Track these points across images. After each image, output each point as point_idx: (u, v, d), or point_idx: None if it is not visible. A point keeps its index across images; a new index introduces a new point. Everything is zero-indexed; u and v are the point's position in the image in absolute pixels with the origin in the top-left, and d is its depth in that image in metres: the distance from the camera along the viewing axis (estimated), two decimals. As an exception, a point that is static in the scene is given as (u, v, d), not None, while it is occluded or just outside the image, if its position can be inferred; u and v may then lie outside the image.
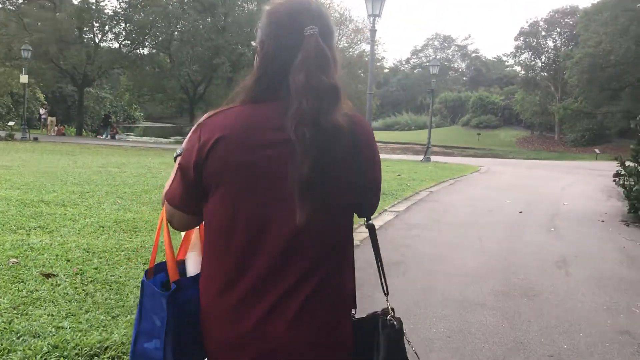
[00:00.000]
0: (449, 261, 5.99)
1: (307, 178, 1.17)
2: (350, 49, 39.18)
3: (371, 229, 1.42)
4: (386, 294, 1.44)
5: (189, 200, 1.32)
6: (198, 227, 1.44)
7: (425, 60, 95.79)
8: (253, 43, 1.37)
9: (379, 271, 1.45)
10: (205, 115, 1.30)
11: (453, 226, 8.20)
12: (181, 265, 1.44)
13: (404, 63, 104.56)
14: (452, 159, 28.43)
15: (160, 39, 32.46)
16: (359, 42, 39.24)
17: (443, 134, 66.48)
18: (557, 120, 53.01)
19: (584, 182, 16.77)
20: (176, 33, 31.66)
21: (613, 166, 26.50)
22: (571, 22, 55.95)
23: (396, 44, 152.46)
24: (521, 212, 9.81)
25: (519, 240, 7.38)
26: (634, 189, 9.30)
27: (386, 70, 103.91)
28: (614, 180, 10.26)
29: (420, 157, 23.99)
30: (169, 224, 1.40)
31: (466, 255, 6.34)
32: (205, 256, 1.33)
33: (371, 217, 1.42)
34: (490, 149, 51.91)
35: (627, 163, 9.90)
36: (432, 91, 22.94)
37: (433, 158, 26.20)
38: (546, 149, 51.86)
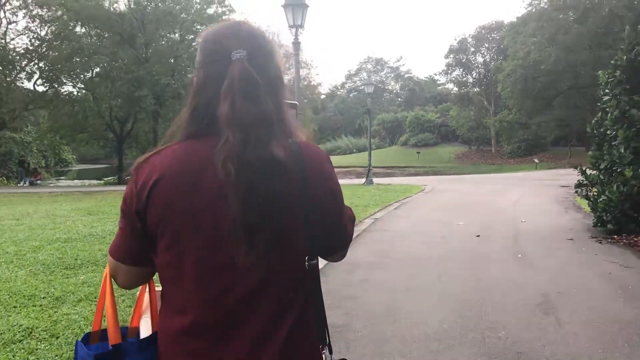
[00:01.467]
0: (406, 316, 4.61)
1: (240, 219, 1.09)
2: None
3: (312, 270, 1.20)
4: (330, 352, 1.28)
5: (133, 251, 1.24)
6: (148, 289, 1.41)
7: (359, 84, 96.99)
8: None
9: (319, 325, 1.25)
10: (140, 158, 1.21)
11: (405, 262, 6.88)
12: (137, 333, 1.39)
13: (339, 88, 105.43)
14: (395, 180, 27.56)
15: (82, 76, 30.34)
16: (290, 68, 38.16)
17: (383, 154, 67.02)
18: (493, 133, 54.03)
19: (533, 194, 16.00)
20: (97, 69, 29.62)
21: (555, 175, 26.46)
22: (497, 37, 57.67)
23: (331, 69, 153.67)
24: (478, 235, 8.64)
25: (485, 274, 6.12)
26: (599, 200, 8.30)
27: (323, 97, 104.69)
28: (576, 191, 9.28)
29: (363, 180, 22.87)
30: (113, 281, 1.32)
31: (426, 304, 5.00)
32: (162, 309, 1.24)
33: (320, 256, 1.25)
34: (430, 167, 52.52)
35: (589, 171, 8.94)
36: (368, 111, 21.92)
37: (376, 180, 25.20)
38: (485, 162, 52.78)
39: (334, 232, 1.26)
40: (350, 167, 45.05)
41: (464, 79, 61.52)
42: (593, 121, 9.06)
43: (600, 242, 7.64)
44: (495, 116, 50.86)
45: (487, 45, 60.37)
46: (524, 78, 35.69)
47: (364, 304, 5.03)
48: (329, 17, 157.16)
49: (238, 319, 1.15)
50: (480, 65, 60.65)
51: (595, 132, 9.01)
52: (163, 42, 29.84)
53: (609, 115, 8.52)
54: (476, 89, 60.52)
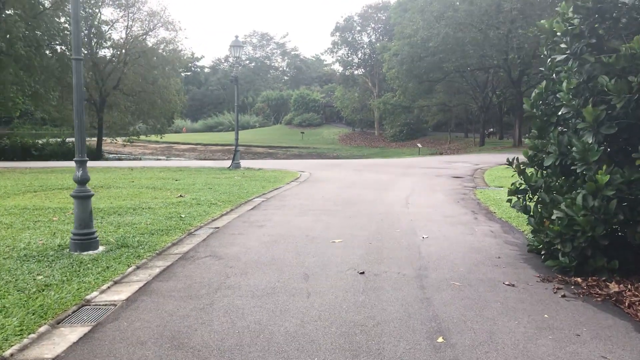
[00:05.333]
0: None
1: None
2: (145, 36, 32.75)
3: None
4: None
5: None
6: None
7: (244, 58, 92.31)
8: None
9: None
10: None
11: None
12: None
13: (223, 61, 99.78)
14: (272, 163, 24.09)
15: None
16: (155, 28, 33.00)
17: (267, 133, 63.81)
18: (377, 116, 53.12)
19: (426, 188, 13.13)
20: None
21: (441, 162, 24.08)
22: (384, 17, 56.58)
23: (214, 42, 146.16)
24: (362, 272, 5.28)
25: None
26: (550, 218, 5.20)
27: (207, 70, 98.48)
28: (509, 200, 6.16)
29: (236, 162, 18.99)
30: None
31: None
32: None
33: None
34: (314, 147, 50.52)
35: (528, 170, 5.84)
36: (235, 79, 17.95)
37: (246, 163, 21.56)
38: (367, 144, 51.63)
39: None
40: (230, 145, 41.25)
41: (350, 58, 59.97)
42: (534, 93, 5.97)
43: (564, 296, 4.51)
44: (379, 98, 49.41)
45: (373, 25, 58.83)
46: (411, 57, 33.56)
47: None
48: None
49: None
50: (365, 46, 59.29)
51: (535, 110, 5.96)
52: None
53: (564, 84, 5.45)
54: (361, 70, 59.41)
